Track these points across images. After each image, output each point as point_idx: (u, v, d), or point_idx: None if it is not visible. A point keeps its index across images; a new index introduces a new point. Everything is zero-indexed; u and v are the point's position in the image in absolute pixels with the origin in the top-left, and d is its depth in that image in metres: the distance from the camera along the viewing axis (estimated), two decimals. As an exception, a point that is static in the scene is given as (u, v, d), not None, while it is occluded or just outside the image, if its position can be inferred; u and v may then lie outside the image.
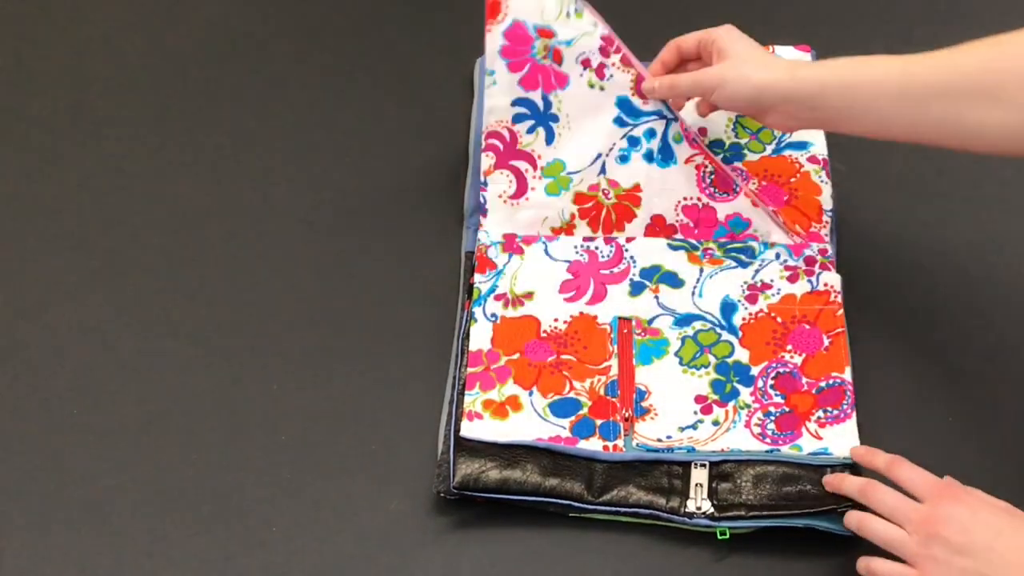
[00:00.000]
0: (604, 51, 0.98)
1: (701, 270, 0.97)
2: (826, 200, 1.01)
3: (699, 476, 0.87)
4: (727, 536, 0.85)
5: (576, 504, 0.86)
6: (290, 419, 0.92)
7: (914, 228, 1.02)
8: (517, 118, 0.99)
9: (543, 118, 1.00)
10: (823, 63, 0.90)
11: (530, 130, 1.00)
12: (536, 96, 0.99)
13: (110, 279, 1.00)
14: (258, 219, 1.03)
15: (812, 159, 1.02)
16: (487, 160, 1.00)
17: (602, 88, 0.99)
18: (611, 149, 1.00)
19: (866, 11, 1.18)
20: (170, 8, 1.19)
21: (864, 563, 0.81)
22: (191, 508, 0.88)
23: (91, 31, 1.17)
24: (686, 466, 0.87)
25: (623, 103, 0.99)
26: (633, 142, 0.99)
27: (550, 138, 1.00)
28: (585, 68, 0.98)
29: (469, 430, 0.88)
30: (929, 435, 0.91)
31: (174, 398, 0.93)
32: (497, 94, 0.99)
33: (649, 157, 1.00)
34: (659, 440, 0.89)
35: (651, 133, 0.99)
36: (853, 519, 0.82)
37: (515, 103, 0.99)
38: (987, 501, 0.78)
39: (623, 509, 0.86)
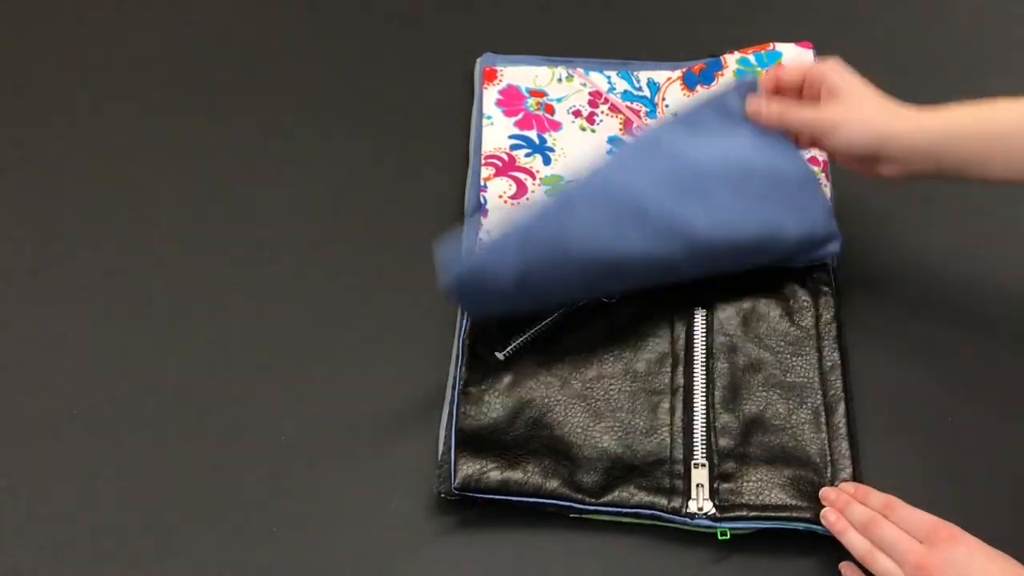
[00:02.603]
0: (593, 103, 1.07)
1: None
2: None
3: (700, 476, 0.87)
4: (728, 537, 0.85)
5: (577, 505, 0.86)
6: (290, 419, 0.92)
7: (914, 228, 1.02)
8: (514, 147, 1.04)
9: (539, 149, 1.04)
10: (945, 111, 0.86)
11: (528, 155, 1.04)
12: (532, 135, 1.05)
13: (110, 280, 1.00)
14: (257, 219, 1.03)
15: (812, 160, 1.02)
16: (487, 171, 1.02)
17: (593, 131, 1.06)
18: None
19: (866, 7, 1.18)
20: (168, 9, 1.19)
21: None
22: (191, 508, 0.88)
23: (89, 32, 1.17)
24: (687, 466, 0.87)
25: (614, 140, 1.06)
26: None
27: (547, 162, 1.04)
28: (576, 117, 1.07)
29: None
30: (929, 435, 0.91)
31: (174, 398, 0.93)
32: (494, 133, 1.05)
33: None
34: None
35: None
36: (860, 547, 0.81)
37: (512, 138, 1.04)
38: (984, 548, 0.78)
39: (624, 510, 0.86)
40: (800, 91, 0.93)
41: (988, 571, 0.75)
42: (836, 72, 0.90)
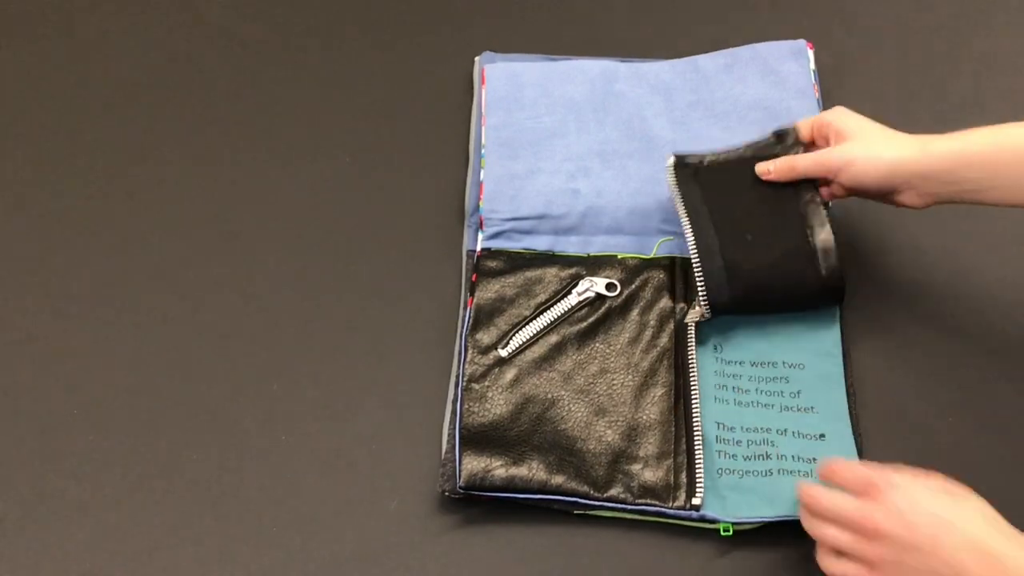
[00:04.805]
0: None
1: None
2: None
3: (703, 469, 0.87)
4: (730, 532, 0.85)
5: (581, 500, 0.86)
6: (290, 419, 0.92)
7: (913, 228, 1.02)
8: None
9: None
10: (955, 136, 0.88)
11: None
12: None
13: (111, 280, 0.99)
14: (258, 219, 1.03)
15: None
16: None
17: None
18: None
19: (866, 5, 1.19)
20: (168, 10, 1.19)
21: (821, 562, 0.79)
22: (191, 508, 0.88)
23: (89, 34, 1.17)
24: (691, 460, 0.87)
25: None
26: None
27: None
28: None
29: None
30: (929, 435, 0.91)
31: (174, 398, 0.93)
32: None
33: None
34: None
35: None
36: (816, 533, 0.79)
37: None
38: (923, 487, 0.75)
39: (628, 505, 0.86)
40: (812, 141, 0.96)
41: (934, 514, 0.73)
42: (840, 115, 0.93)
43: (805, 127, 0.96)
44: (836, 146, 0.92)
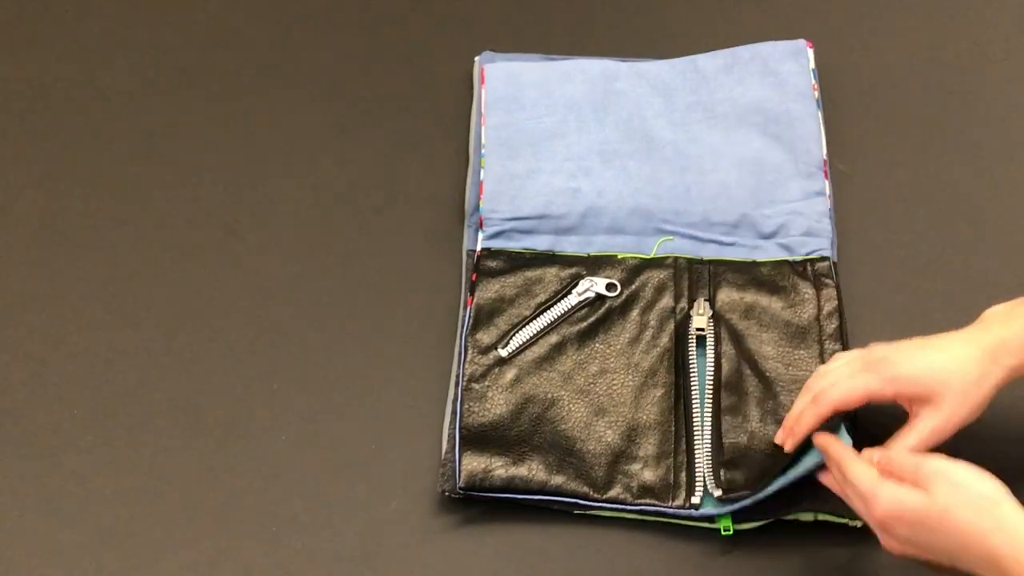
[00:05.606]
0: None
1: None
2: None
3: (703, 469, 0.87)
4: (731, 532, 0.85)
5: (582, 501, 0.86)
6: (290, 419, 0.92)
7: (914, 227, 1.02)
8: None
9: None
10: (1014, 331, 0.81)
11: None
12: None
13: (110, 279, 0.99)
14: (258, 219, 1.03)
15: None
16: None
17: None
18: None
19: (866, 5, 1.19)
20: (167, 9, 1.18)
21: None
22: (191, 508, 0.88)
23: (90, 35, 1.17)
24: (691, 459, 0.88)
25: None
26: None
27: None
28: None
29: None
30: (929, 435, 0.91)
31: (174, 398, 0.93)
32: None
33: None
34: None
35: None
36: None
37: None
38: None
39: (629, 506, 0.86)
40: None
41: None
42: (906, 379, 0.81)
43: (855, 399, 0.82)
44: (929, 417, 0.81)
